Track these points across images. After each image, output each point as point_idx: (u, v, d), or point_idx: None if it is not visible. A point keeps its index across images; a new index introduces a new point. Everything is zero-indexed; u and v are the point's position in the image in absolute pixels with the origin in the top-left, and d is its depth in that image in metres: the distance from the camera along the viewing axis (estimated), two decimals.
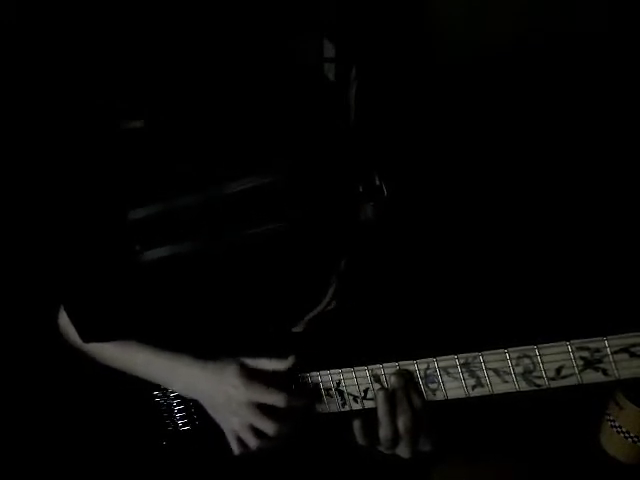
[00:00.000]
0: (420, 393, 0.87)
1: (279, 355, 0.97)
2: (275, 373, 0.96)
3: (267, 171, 0.95)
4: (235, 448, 0.98)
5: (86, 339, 1.03)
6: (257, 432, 0.96)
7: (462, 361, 0.83)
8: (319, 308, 1.05)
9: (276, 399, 0.94)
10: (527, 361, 0.78)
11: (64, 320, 1.06)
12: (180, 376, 1.01)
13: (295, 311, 1.03)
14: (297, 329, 1.03)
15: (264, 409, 0.94)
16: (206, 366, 0.99)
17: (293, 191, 0.97)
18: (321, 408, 0.97)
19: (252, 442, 0.96)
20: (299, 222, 0.98)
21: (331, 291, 1.04)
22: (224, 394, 0.96)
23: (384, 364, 0.89)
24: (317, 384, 0.96)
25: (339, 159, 1.01)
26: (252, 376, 0.96)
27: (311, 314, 1.04)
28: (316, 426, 1.00)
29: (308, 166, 0.98)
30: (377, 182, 1.01)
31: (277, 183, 0.96)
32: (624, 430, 1.25)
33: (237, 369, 0.96)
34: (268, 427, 0.94)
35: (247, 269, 1.00)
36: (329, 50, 1.00)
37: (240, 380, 0.95)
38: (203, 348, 1.01)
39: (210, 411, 1.01)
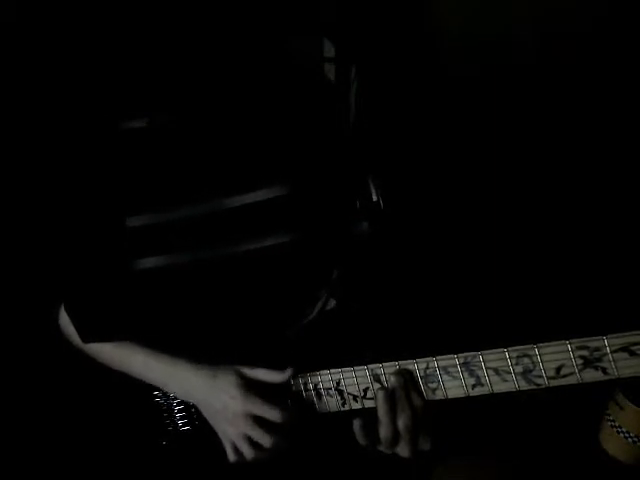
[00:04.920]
0: (420, 392, 0.87)
1: (277, 356, 0.97)
2: (273, 384, 0.96)
3: (269, 187, 0.96)
4: (230, 455, 0.98)
5: (85, 339, 1.03)
6: (252, 442, 0.96)
7: (462, 360, 0.83)
8: (313, 315, 1.05)
9: (272, 414, 0.94)
10: (527, 360, 0.78)
11: (64, 320, 1.06)
12: (177, 381, 1.01)
13: (288, 319, 1.04)
14: (291, 334, 1.03)
15: (260, 421, 0.95)
16: (203, 372, 0.99)
17: (294, 208, 0.97)
18: (321, 408, 0.97)
19: (247, 452, 0.97)
20: (299, 238, 0.98)
21: (323, 299, 1.05)
22: (221, 403, 0.97)
23: (384, 364, 0.89)
24: (317, 384, 0.96)
25: (338, 173, 1.01)
26: (250, 387, 0.96)
27: (304, 321, 1.05)
28: (316, 426, 1.00)
29: (309, 183, 0.98)
30: (374, 197, 1.01)
31: (279, 199, 0.96)
32: (624, 430, 1.25)
33: (235, 379, 0.96)
34: (263, 439, 0.95)
35: (242, 279, 1.00)
36: (329, 50, 1.00)
37: (238, 391, 0.95)
38: (201, 351, 1.01)
39: (207, 417, 1.01)
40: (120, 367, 1.05)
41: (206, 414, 1.01)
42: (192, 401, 1.03)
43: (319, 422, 0.98)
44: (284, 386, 0.97)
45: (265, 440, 0.95)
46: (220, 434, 0.99)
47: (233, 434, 0.97)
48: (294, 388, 0.98)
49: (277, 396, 0.97)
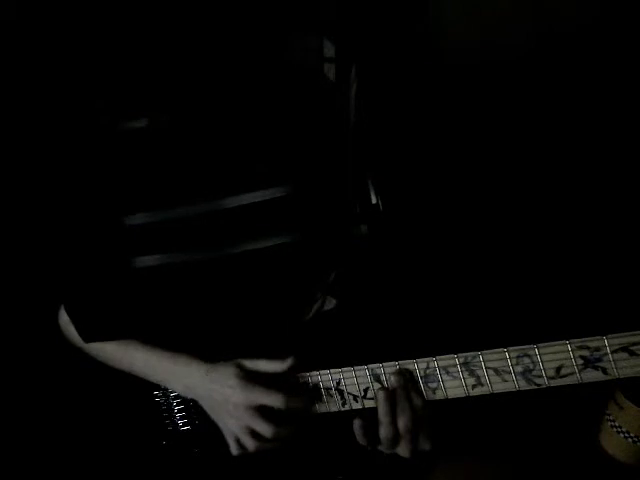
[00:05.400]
0: (420, 392, 0.87)
1: (278, 355, 0.97)
2: (273, 375, 0.96)
3: (268, 188, 0.96)
4: (233, 449, 0.98)
5: (86, 338, 1.03)
6: (254, 434, 0.96)
7: (462, 360, 0.83)
8: (312, 315, 1.05)
9: (273, 400, 0.93)
10: (527, 360, 0.78)
11: (64, 319, 1.06)
12: (179, 377, 1.01)
13: (287, 319, 1.04)
14: (290, 334, 1.03)
15: (261, 411, 0.94)
16: (204, 367, 0.99)
17: (293, 209, 0.98)
18: (321, 408, 0.97)
19: (250, 444, 0.96)
20: (298, 240, 0.98)
21: (322, 300, 1.05)
22: (221, 395, 0.96)
23: (384, 364, 0.89)
24: (317, 384, 0.96)
25: (338, 174, 1.01)
26: (249, 378, 0.95)
27: (304, 321, 1.05)
28: (316, 426, 1.00)
29: (309, 184, 0.98)
30: (374, 200, 1.01)
31: (278, 200, 0.96)
32: (624, 430, 1.25)
33: (235, 370, 0.96)
34: (265, 430, 0.94)
35: (241, 279, 1.00)
36: (329, 50, 1.01)
37: (237, 381, 0.95)
38: (199, 350, 1.01)
39: (208, 412, 1.01)
40: (121, 366, 1.05)
41: (208, 409, 1.01)
42: (194, 397, 1.02)
43: (319, 422, 0.98)
44: (286, 376, 0.97)
45: (267, 430, 0.94)
46: (222, 427, 0.99)
47: (234, 426, 0.97)
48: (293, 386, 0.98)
49: (278, 386, 0.96)
